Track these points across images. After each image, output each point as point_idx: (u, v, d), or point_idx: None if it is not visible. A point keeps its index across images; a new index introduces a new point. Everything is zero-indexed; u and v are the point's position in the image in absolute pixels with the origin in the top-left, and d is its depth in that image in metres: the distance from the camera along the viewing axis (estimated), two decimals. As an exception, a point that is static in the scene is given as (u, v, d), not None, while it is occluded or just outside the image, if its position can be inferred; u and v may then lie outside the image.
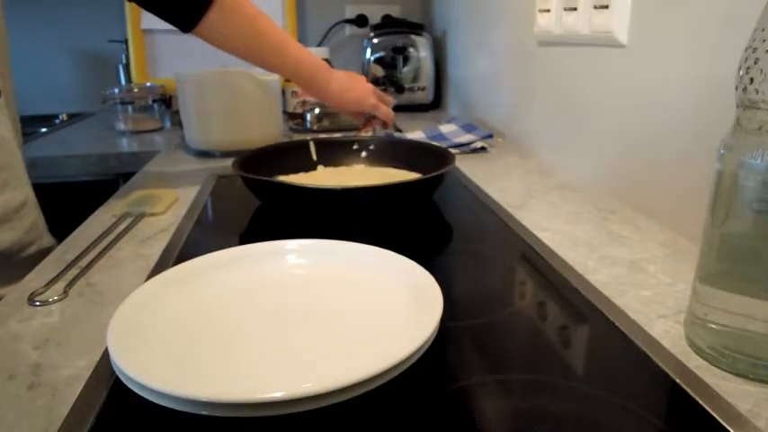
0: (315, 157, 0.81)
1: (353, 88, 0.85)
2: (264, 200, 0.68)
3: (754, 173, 0.32)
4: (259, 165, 0.70)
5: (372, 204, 0.62)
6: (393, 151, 0.81)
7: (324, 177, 0.77)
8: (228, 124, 1.00)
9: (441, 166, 0.64)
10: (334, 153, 0.81)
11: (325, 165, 0.80)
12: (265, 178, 0.63)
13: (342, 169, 0.80)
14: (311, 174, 0.78)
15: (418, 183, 0.64)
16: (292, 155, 0.79)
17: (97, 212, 0.69)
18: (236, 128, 1.00)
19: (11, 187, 0.63)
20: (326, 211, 0.61)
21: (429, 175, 0.63)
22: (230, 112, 1.00)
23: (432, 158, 0.71)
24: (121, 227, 0.62)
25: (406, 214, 0.66)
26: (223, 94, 0.99)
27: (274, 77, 1.06)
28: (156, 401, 0.30)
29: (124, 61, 1.46)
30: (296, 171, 0.78)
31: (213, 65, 1.10)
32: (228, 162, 0.72)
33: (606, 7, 0.67)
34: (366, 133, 0.90)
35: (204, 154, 1.02)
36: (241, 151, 0.83)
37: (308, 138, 0.83)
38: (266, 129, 1.05)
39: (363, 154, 0.81)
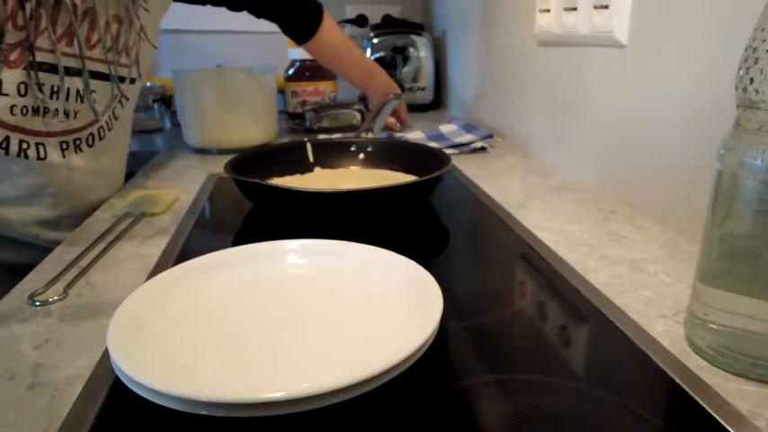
0: (311, 159, 0.80)
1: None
2: (257, 203, 0.68)
3: (754, 173, 0.32)
4: (254, 166, 0.70)
5: (367, 207, 0.62)
6: (390, 153, 0.81)
7: (319, 179, 0.77)
8: (225, 122, 1.00)
9: (437, 168, 0.64)
10: (330, 154, 0.81)
11: (322, 166, 0.80)
12: (256, 180, 0.63)
13: (338, 171, 0.80)
14: (307, 176, 0.78)
15: (412, 185, 0.64)
16: (289, 156, 0.79)
17: (97, 212, 0.69)
18: (232, 126, 1.01)
19: (119, 159, 0.79)
20: (321, 214, 0.61)
21: (423, 178, 0.62)
22: (227, 110, 1.00)
23: (429, 160, 0.71)
24: (121, 227, 0.62)
25: (404, 215, 0.66)
26: (220, 91, 1.00)
27: (271, 76, 1.07)
28: (156, 401, 0.30)
29: (124, 61, 1.46)
30: (292, 173, 0.77)
31: (213, 65, 1.10)
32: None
33: (606, 7, 0.67)
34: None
35: (202, 152, 1.02)
36: (237, 149, 0.83)
37: (306, 138, 0.83)
38: (263, 126, 1.06)
39: (360, 156, 0.81)
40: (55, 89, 0.64)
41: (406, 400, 0.33)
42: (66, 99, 0.66)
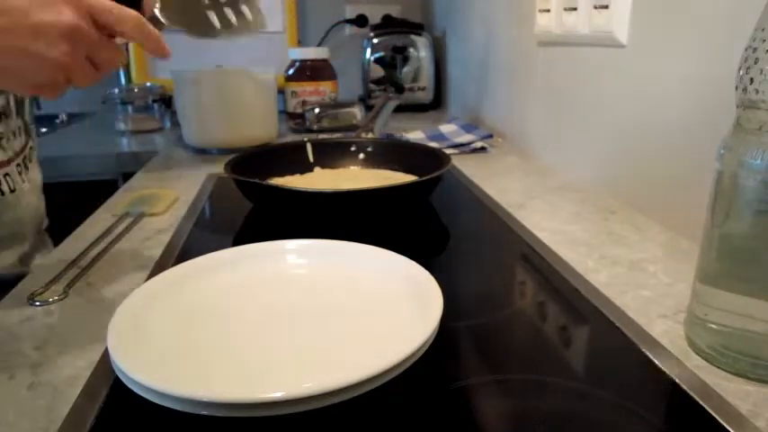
0: (311, 159, 0.80)
1: None
2: (257, 203, 0.68)
3: (754, 173, 0.32)
4: (254, 166, 0.70)
5: (367, 207, 0.62)
6: (390, 153, 0.81)
7: (319, 179, 0.77)
8: (225, 122, 1.00)
9: (437, 168, 0.64)
10: (330, 154, 0.81)
11: (322, 166, 0.80)
12: (256, 180, 0.63)
13: (338, 171, 0.80)
14: (307, 175, 0.78)
15: (412, 185, 0.64)
16: (289, 156, 0.79)
17: (97, 212, 0.69)
18: (232, 126, 1.01)
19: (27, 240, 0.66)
20: (321, 214, 0.61)
21: (423, 178, 0.62)
22: (226, 110, 1.00)
23: (429, 160, 0.71)
24: (121, 227, 0.62)
25: (404, 215, 0.66)
26: (219, 91, 1.00)
27: (271, 76, 1.06)
28: (156, 401, 0.30)
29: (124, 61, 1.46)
30: (292, 172, 0.77)
31: (212, 65, 1.10)
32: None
33: (606, 7, 0.67)
34: None
35: (202, 152, 1.03)
36: (237, 149, 0.83)
37: (306, 138, 0.83)
38: (263, 127, 1.06)
39: (361, 156, 0.81)
40: None
41: (406, 400, 0.33)
42: (9, 117, 0.61)
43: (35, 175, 0.68)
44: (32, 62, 0.37)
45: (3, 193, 0.60)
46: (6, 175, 0.61)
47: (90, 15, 0.38)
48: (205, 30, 0.50)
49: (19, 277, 0.51)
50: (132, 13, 0.41)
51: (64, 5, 0.37)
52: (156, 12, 0.46)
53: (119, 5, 0.40)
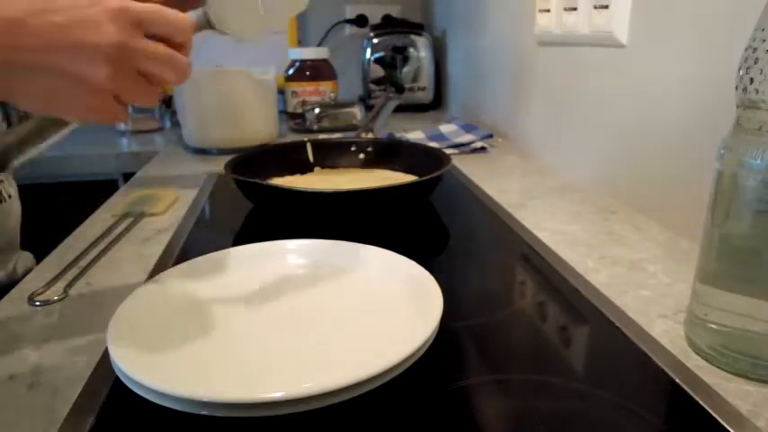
0: (311, 159, 0.80)
1: None
2: (257, 203, 0.68)
3: (754, 173, 0.32)
4: (254, 166, 0.70)
5: (367, 207, 0.62)
6: (390, 153, 0.81)
7: (319, 179, 0.77)
8: (225, 122, 1.01)
9: (437, 168, 0.64)
10: (330, 155, 0.81)
11: (322, 166, 0.80)
12: (256, 180, 0.63)
13: (338, 171, 0.80)
14: (307, 176, 0.78)
15: (412, 185, 0.64)
16: (289, 156, 0.79)
17: (97, 212, 0.69)
18: (232, 126, 1.01)
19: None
20: (321, 214, 0.61)
21: (423, 178, 0.63)
22: (226, 110, 1.00)
23: (429, 160, 0.71)
24: (121, 227, 0.62)
25: (404, 215, 0.66)
26: (219, 92, 1.00)
27: (271, 76, 1.07)
28: (156, 401, 0.30)
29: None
30: (292, 173, 0.77)
31: (212, 65, 1.10)
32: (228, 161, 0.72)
33: (606, 7, 0.67)
34: None
35: (202, 152, 1.03)
36: (237, 149, 0.83)
37: (306, 138, 0.83)
38: (262, 127, 1.06)
39: (361, 156, 0.81)
40: None
41: (406, 400, 0.33)
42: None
43: (12, 180, 0.66)
44: (75, 84, 0.34)
45: (3, 200, 0.60)
46: (0, 182, 0.61)
47: (140, 26, 0.34)
48: (252, 29, 0.45)
49: (10, 286, 0.50)
50: (186, 19, 0.35)
51: (106, 21, 0.32)
52: (211, 16, 0.40)
53: (170, 11, 0.35)
